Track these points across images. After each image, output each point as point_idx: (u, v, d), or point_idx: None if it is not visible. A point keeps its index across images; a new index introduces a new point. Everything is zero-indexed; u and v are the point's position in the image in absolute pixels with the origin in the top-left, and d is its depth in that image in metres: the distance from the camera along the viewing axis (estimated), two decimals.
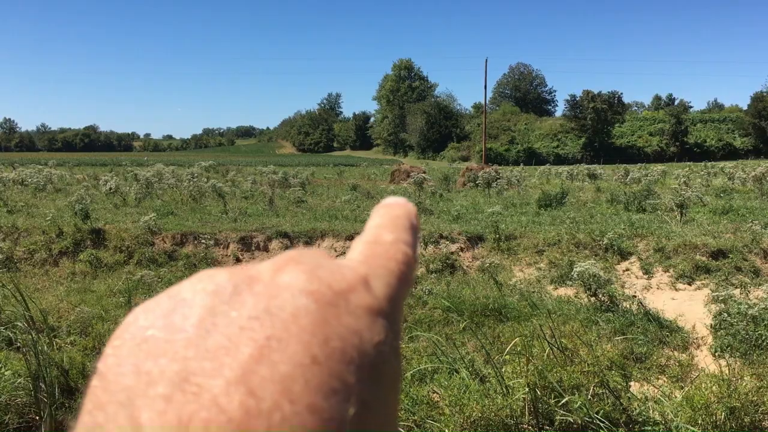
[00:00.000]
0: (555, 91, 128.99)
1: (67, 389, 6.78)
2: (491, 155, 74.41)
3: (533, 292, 9.72)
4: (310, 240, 13.86)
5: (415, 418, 4.70)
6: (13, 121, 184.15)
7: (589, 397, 4.81)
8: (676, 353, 7.43)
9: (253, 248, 13.74)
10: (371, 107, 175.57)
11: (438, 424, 4.62)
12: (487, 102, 73.34)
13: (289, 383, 0.28)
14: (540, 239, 12.63)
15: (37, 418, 6.37)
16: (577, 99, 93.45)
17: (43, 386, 6.40)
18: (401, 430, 4.47)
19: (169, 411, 0.27)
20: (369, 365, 0.31)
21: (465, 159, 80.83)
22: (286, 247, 13.70)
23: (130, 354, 0.29)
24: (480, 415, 4.59)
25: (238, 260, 13.37)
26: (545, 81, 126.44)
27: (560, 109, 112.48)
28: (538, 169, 34.19)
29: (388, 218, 0.43)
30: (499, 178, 23.03)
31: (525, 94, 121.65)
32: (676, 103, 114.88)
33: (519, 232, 13.27)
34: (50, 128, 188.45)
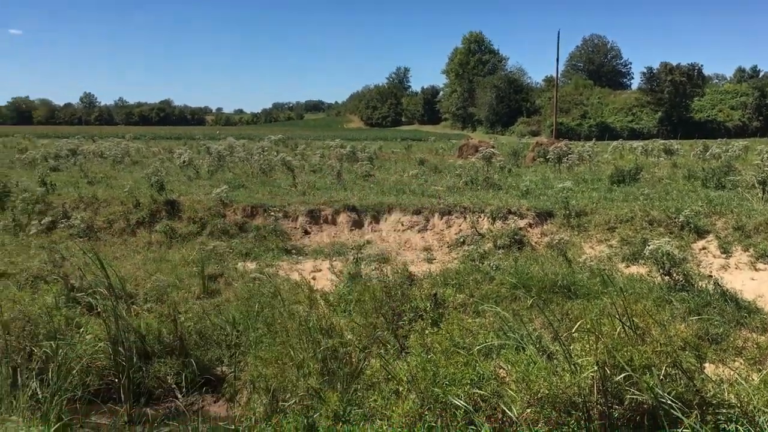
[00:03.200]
0: (630, 63, 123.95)
1: (144, 354, 7.06)
2: (562, 130, 72.72)
3: (604, 269, 9.50)
4: (377, 214, 13.91)
5: (482, 392, 4.68)
6: (93, 96, 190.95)
7: (661, 377, 4.68)
8: (754, 335, 7.14)
9: (321, 221, 13.90)
10: (440, 81, 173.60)
11: (504, 400, 4.60)
12: (559, 75, 71.49)
13: None
14: (612, 216, 12.31)
15: (116, 380, 6.67)
16: (654, 71, 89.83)
17: (121, 350, 6.69)
18: (465, 402, 4.47)
19: None
20: None
21: (535, 134, 79.29)
22: (354, 221, 13.81)
23: None
24: (547, 392, 4.54)
25: (306, 233, 13.56)
26: (620, 53, 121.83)
27: (636, 82, 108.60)
28: (611, 144, 33.15)
29: None
30: (570, 153, 22.48)
31: (599, 66, 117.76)
32: (761, 75, 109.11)
33: (590, 208, 12.96)
34: (128, 102, 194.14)
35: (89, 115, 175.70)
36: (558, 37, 56.18)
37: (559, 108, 71.05)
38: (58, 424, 5.35)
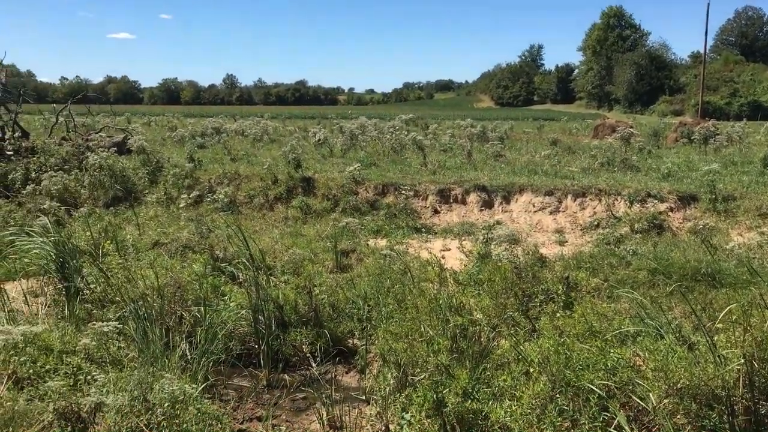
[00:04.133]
0: None
1: (281, 323, 7.40)
2: (709, 109, 68.09)
3: (754, 258, 8.88)
4: (508, 194, 13.74)
5: (616, 379, 4.55)
6: (235, 77, 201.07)
7: None
8: None
9: (451, 201, 13.92)
10: (575, 59, 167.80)
11: (640, 388, 4.44)
12: (707, 51, 66.89)
13: None
14: (764, 201, 11.47)
15: (256, 346, 7.06)
16: None
17: (261, 318, 7.06)
18: (599, 389, 4.37)
19: None
20: None
21: (678, 113, 74.88)
22: (484, 201, 13.72)
23: None
24: (687, 383, 4.34)
25: (435, 212, 13.64)
26: None
27: None
28: (764, 124, 30.74)
29: None
30: (717, 134, 21.12)
31: (752, 41, 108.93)
32: None
33: (739, 192, 12.13)
34: (266, 83, 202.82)
35: (231, 95, 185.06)
36: (707, 9, 52.41)
37: (706, 86, 66.52)
38: (205, 383, 5.76)
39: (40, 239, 8.24)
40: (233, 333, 7.14)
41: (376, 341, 6.74)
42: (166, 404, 4.51)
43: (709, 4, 52.08)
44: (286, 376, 6.86)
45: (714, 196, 11.94)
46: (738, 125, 27.78)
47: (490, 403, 4.77)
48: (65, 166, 15.80)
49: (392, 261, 9.33)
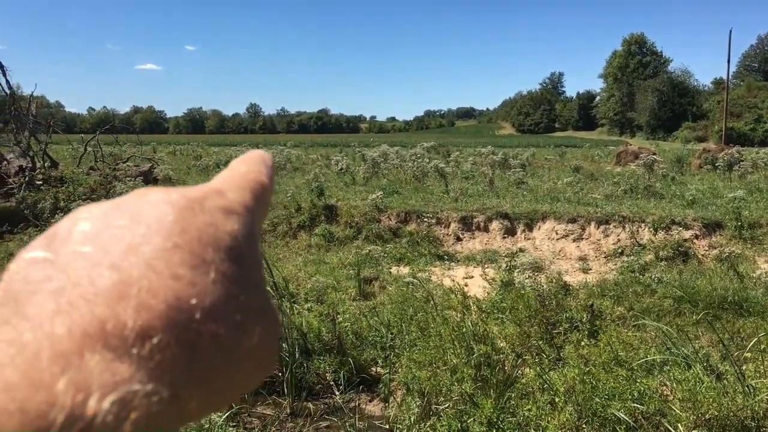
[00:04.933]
0: None
1: (305, 351, 7.44)
2: (733, 135, 67.48)
3: None
4: (530, 221, 13.72)
5: (643, 410, 4.51)
6: (258, 106, 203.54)
7: None
8: None
9: (473, 228, 13.91)
10: (596, 86, 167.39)
11: (668, 419, 4.40)
12: (730, 77, 66.50)
13: (154, 263, 0.35)
14: None
15: (280, 374, 7.09)
16: None
17: (285, 346, 7.09)
18: (627, 417, 4.33)
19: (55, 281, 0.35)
20: (225, 247, 0.38)
21: (701, 139, 74.27)
22: (506, 228, 13.70)
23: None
24: (716, 413, 4.29)
25: (458, 239, 13.64)
26: None
27: None
28: None
29: (243, 158, 0.51)
30: (742, 161, 20.92)
31: None
32: None
33: (765, 219, 12.00)
34: (288, 112, 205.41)
35: (254, 124, 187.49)
36: (730, 36, 52.25)
37: (730, 112, 66.05)
38: (229, 411, 5.79)
39: None
40: None
41: (400, 369, 6.74)
42: None
43: (731, 30, 52.01)
44: (309, 405, 6.87)
45: (740, 224, 11.81)
46: (763, 151, 27.49)
47: None
48: (93, 195, 16.08)
49: (415, 289, 9.34)
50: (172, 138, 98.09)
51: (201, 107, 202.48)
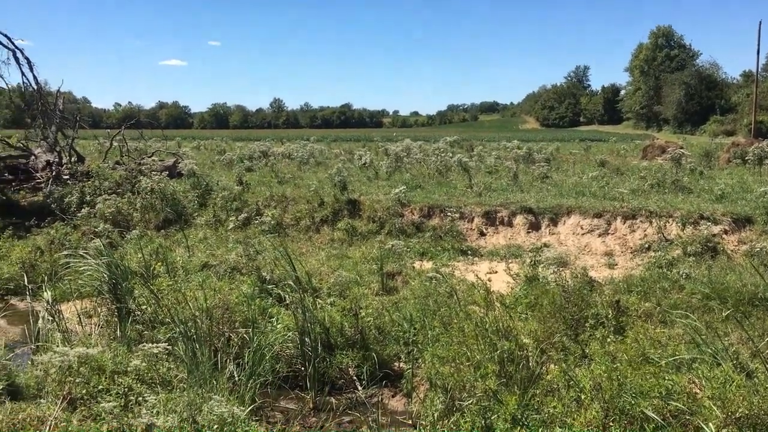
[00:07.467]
0: None
1: (328, 345, 7.42)
2: (762, 129, 66.10)
3: None
4: (555, 216, 13.57)
5: (671, 407, 4.42)
6: (282, 101, 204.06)
7: None
8: None
9: (497, 223, 13.81)
10: (622, 79, 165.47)
11: (697, 417, 4.30)
12: (760, 69, 65.27)
13: None
14: None
15: (303, 369, 7.08)
16: None
17: (307, 341, 7.08)
18: (655, 415, 4.25)
19: None
20: None
21: (730, 133, 72.97)
22: (531, 223, 13.57)
23: None
24: (746, 412, 4.19)
25: (481, 234, 13.54)
26: None
27: None
28: None
29: None
30: None
31: None
32: None
33: None
34: (312, 106, 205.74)
35: (277, 118, 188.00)
36: (759, 27, 51.22)
37: (760, 105, 64.81)
38: (252, 405, 5.79)
39: (94, 261, 8.45)
40: (280, 355, 7.19)
41: (423, 365, 6.70)
42: (215, 426, 4.54)
43: (761, 22, 50.96)
44: (332, 399, 6.86)
45: None
46: None
47: (540, 430, 4.68)
48: (119, 190, 16.23)
49: (438, 284, 9.28)
50: (197, 133, 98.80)
51: (225, 102, 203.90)
